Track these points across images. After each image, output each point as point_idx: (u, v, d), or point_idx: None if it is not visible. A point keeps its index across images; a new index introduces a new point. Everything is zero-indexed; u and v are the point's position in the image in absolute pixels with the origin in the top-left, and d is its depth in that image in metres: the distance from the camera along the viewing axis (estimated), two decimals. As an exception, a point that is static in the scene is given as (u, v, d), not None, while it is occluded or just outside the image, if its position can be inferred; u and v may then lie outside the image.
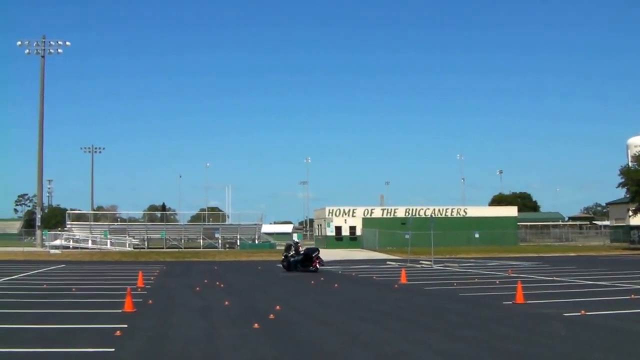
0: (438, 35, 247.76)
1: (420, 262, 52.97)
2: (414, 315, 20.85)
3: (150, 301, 24.06)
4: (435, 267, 47.51)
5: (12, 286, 31.12)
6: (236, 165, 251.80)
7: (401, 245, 70.75)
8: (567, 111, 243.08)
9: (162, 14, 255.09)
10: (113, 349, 14.34)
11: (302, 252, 44.14)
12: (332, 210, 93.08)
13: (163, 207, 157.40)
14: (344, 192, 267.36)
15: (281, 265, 45.21)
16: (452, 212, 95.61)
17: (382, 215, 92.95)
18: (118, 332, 16.27)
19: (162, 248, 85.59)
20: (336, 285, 32.81)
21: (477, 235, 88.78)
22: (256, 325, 17.40)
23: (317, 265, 42.82)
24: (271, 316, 19.62)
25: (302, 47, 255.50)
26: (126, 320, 18.75)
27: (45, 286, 30.96)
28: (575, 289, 29.38)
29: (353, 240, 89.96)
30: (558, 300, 24.44)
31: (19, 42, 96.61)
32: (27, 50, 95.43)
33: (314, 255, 43.30)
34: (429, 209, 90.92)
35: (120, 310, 20.87)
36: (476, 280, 34.90)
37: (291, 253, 44.39)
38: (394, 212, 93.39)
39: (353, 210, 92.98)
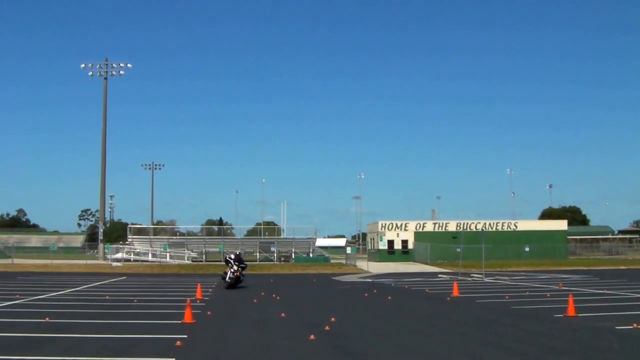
0: (486, 40, 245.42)
1: (472, 275, 52.52)
2: (467, 328, 20.62)
3: (208, 313, 24.09)
4: (486, 280, 47.11)
5: (77, 297, 31.35)
6: (290, 181, 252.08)
7: (452, 258, 70.21)
8: (618, 123, 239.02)
9: (211, 40, 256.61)
10: (174, 359, 14.34)
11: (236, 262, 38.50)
12: (385, 224, 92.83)
13: (220, 222, 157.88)
14: (396, 207, 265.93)
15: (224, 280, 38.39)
16: (502, 226, 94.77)
17: (434, 229, 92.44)
18: (178, 342, 16.29)
19: (220, 261, 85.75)
20: (389, 297, 32.61)
21: (527, 249, 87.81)
22: (312, 337, 17.32)
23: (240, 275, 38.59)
24: (326, 328, 19.53)
25: (351, 55, 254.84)
26: (186, 331, 18.77)
27: (107, 297, 31.16)
28: (626, 302, 28.89)
29: (405, 253, 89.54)
30: (610, 313, 24.08)
31: (82, 65, 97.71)
32: (90, 73, 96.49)
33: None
34: (479, 222, 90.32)
35: (180, 322, 20.90)
36: (527, 293, 34.50)
37: (234, 268, 38.24)
38: (446, 226, 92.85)
39: (405, 224, 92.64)
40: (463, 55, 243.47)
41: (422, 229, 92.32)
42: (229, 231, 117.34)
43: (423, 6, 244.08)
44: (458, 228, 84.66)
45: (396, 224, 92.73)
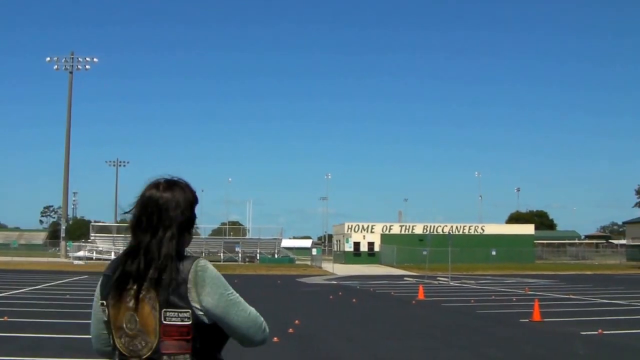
0: (456, 40, 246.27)
1: (438, 278, 52.83)
2: (433, 331, 20.77)
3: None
4: (452, 283, 47.37)
5: (36, 296, 31.16)
6: (257, 181, 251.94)
7: (419, 261, 70.56)
8: (585, 128, 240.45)
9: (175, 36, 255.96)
10: None
11: None
12: (351, 226, 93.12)
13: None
14: (363, 208, 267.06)
15: None
16: (469, 229, 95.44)
17: (401, 231, 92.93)
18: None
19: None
20: (354, 300, 32.68)
21: (494, 253, 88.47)
22: (275, 339, 17.25)
23: None
24: (290, 330, 19.53)
25: (320, 51, 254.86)
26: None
27: (68, 296, 31.01)
28: (591, 307, 29.21)
29: (371, 256, 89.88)
30: (575, 318, 24.26)
31: (47, 58, 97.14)
32: (55, 66, 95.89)
33: None
34: (446, 226, 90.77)
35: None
36: (493, 297, 34.73)
37: None
38: (412, 228, 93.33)
39: (372, 226, 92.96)
40: (433, 54, 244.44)
41: (389, 231, 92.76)
42: (193, 231, 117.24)
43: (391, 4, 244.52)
44: (425, 231, 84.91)
45: (363, 226, 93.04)
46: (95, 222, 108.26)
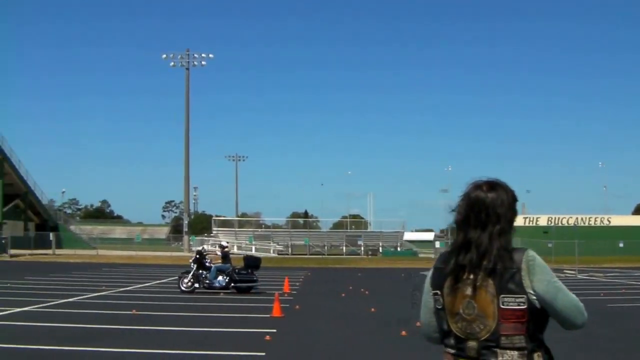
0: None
1: (564, 271, 51.76)
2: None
3: (297, 307, 24.08)
4: (579, 276, 46.38)
5: (163, 289, 31.63)
6: (376, 173, 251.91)
7: (544, 254, 67.49)
8: None
9: (301, 30, 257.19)
10: (264, 354, 14.32)
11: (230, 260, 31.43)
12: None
13: (305, 215, 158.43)
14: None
15: (179, 282, 30.34)
16: (595, 220, 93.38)
17: (524, 223, 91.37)
18: (267, 337, 16.27)
19: (306, 254, 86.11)
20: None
21: (621, 245, 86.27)
22: (403, 333, 17.16)
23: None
24: (418, 324, 19.26)
25: (432, 45, 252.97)
26: (275, 325, 18.77)
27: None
28: None
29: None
30: None
31: (164, 55, 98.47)
32: (172, 63, 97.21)
33: (259, 263, 31.76)
34: (571, 217, 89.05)
35: (268, 315, 20.91)
36: (623, 290, 33.86)
37: (212, 255, 33.76)
38: (537, 220, 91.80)
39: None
40: (555, 48, 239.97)
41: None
42: (314, 224, 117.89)
43: None
44: (549, 223, 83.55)
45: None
46: (217, 216, 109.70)
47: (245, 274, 30.13)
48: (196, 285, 29.99)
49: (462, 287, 3.95)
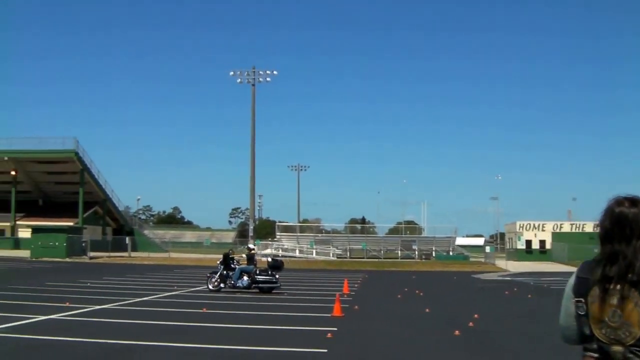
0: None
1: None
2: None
3: (355, 307, 24.02)
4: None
5: (230, 290, 31.81)
6: (430, 181, 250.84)
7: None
8: None
9: (364, 41, 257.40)
10: (326, 350, 14.35)
11: (255, 262, 31.15)
12: (522, 224, 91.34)
13: (363, 221, 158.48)
14: (533, 207, 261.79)
15: (208, 281, 31.14)
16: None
17: (571, 229, 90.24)
18: (329, 334, 16.29)
19: (363, 258, 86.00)
20: (529, 295, 32.02)
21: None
22: (457, 333, 17.07)
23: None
24: (470, 324, 19.24)
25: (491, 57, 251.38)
26: (335, 324, 18.76)
27: (258, 291, 31.51)
28: None
29: (542, 253, 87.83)
30: None
31: (231, 72, 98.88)
32: (239, 80, 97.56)
33: (282, 266, 31.37)
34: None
35: (329, 315, 20.91)
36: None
37: (238, 257, 32.40)
38: (583, 227, 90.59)
39: (542, 224, 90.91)
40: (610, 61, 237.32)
41: (559, 229, 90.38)
42: (371, 229, 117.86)
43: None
44: (595, 229, 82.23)
45: (533, 224, 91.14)
46: (280, 222, 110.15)
47: (266, 276, 30.04)
48: (222, 285, 30.37)
49: (608, 296, 3.95)
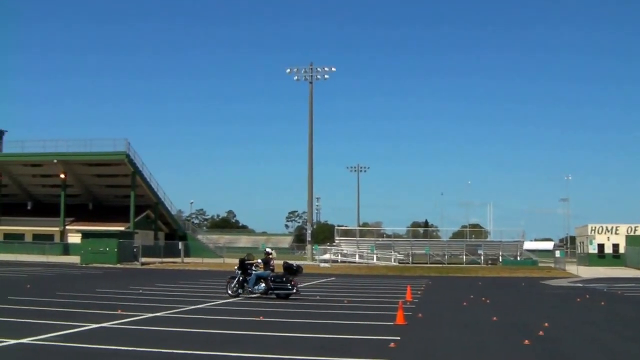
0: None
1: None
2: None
3: (419, 315, 24.00)
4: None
5: (294, 297, 31.94)
6: (495, 183, 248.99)
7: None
8: None
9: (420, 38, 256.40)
10: (389, 360, 14.39)
11: (272, 267, 30.96)
12: (594, 227, 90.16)
13: (426, 224, 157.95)
14: (605, 209, 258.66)
15: (227, 286, 31.61)
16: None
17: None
18: (392, 344, 16.29)
19: (426, 263, 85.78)
20: (603, 303, 31.66)
21: None
22: (527, 342, 16.97)
23: (295, 286, 30.26)
24: (540, 333, 19.10)
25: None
26: (399, 332, 18.76)
27: (318, 297, 31.59)
28: None
29: (616, 258, 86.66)
30: None
31: (288, 70, 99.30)
32: (295, 77, 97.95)
33: (298, 270, 30.61)
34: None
35: (392, 323, 20.91)
36: None
37: (254, 263, 31.34)
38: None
39: (616, 227, 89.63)
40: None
41: (634, 232, 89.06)
42: (434, 233, 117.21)
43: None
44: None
45: (606, 227, 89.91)
46: (339, 226, 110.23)
47: (281, 282, 30.11)
48: (240, 290, 30.82)
49: None
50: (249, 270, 30.76)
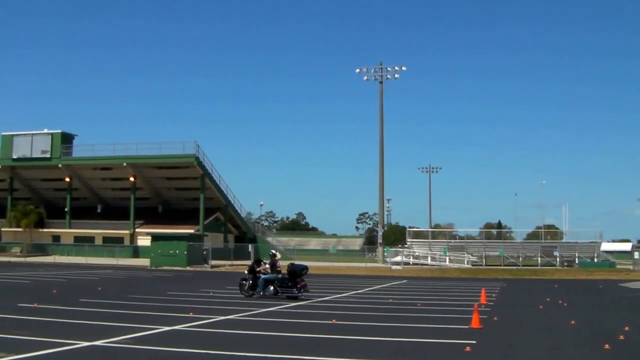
0: None
1: None
2: None
3: (495, 318, 23.82)
4: None
5: (360, 300, 31.95)
6: (571, 182, 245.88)
7: None
8: None
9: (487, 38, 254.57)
10: (465, 365, 14.33)
11: (279, 269, 32.02)
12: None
13: (499, 225, 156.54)
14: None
15: (240, 288, 32.62)
16: None
17: None
18: (468, 347, 16.22)
19: (500, 265, 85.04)
20: (685, 306, 31.16)
21: None
22: (607, 347, 16.75)
23: (302, 288, 30.93)
24: (621, 337, 18.84)
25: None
26: (474, 336, 18.66)
27: (390, 300, 31.53)
28: None
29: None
30: None
31: (357, 70, 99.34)
32: (365, 77, 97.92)
33: (302, 272, 31.21)
34: None
35: (467, 327, 20.81)
36: None
37: (261, 269, 32.20)
38: None
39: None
40: None
41: None
42: (508, 235, 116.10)
43: None
44: None
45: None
46: (410, 227, 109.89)
47: (286, 285, 30.78)
48: (252, 292, 31.69)
49: None
50: (257, 275, 31.78)
